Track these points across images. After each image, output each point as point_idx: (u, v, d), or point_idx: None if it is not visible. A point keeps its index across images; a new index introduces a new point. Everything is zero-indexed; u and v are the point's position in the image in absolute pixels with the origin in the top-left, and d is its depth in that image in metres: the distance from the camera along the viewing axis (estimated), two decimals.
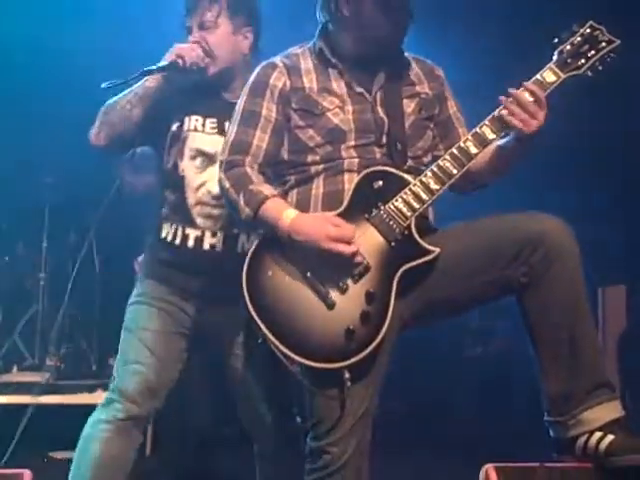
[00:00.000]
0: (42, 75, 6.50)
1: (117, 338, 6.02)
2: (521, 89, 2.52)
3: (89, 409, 5.54)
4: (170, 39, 3.20)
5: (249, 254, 2.52)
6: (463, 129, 2.80)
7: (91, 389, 5.67)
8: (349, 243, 2.43)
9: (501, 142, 2.63)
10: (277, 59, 2.75)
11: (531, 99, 2.49)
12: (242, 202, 2.55)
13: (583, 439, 2.37)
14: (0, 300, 6.30)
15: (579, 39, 2.59)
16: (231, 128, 2.72)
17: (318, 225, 2.46)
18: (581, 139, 6.11)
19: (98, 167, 5.20)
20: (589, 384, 2.38)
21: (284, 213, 2.50)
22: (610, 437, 2.32)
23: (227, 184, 2.61)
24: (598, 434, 2.34)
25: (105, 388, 5.63)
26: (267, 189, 2.58)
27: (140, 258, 4.97)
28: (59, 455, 5.42)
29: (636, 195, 5.93)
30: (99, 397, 5.60)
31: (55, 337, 6.38)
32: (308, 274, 2.46)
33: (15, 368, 6.05)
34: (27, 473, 2.25)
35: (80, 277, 6.63)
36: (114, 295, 5.96)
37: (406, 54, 2.81)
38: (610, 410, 2.38)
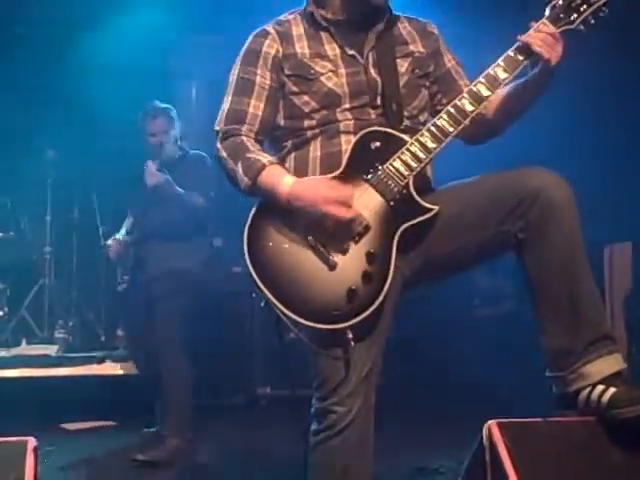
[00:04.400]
0: (44, 49, 6.49)
1: (124, 309, 6.08)
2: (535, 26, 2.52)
3: (99, 380, 5.65)
4: None
5: (248, 219, 2.51)
6: (465, 81, 2.77)
7: (100, 360, 5.72)
8: (348, 206, 2.43)
9: (518, 83, 2.61)
10: (269, 26, 2.73)
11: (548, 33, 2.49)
12: (241, 171, 2.55)
13: (585, 393, 2.37)
14: (7, 275, 6.33)
15: None
16: (225, 98, 2.70)
17: (316, 189, 2.46)
18: (586, 95, 6.07)
19: (100, 140, 5.23)
20: (589, 338, 2.38)
21: (282, 180, 2.50)
22: (612, 390, 2.32)
23: (224, 154, 2.61)
24: (600, 387, 2.34)
25: (113, 359, 5.73)
26: (265, 157, 2.57)
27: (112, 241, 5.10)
28: (70, 426, 5.47)
29: None
30: (108, 368, 5.69)
31: (63, 310, 6.44)
32: (308, 237, 2.46)
33: (24, 341, 6.10)
34: (31, 440, 2.25)
35: (85, 249, 6.73)
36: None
37: (398, 14, 2.79)
38: (611, 363, 2.37)
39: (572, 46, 2.53)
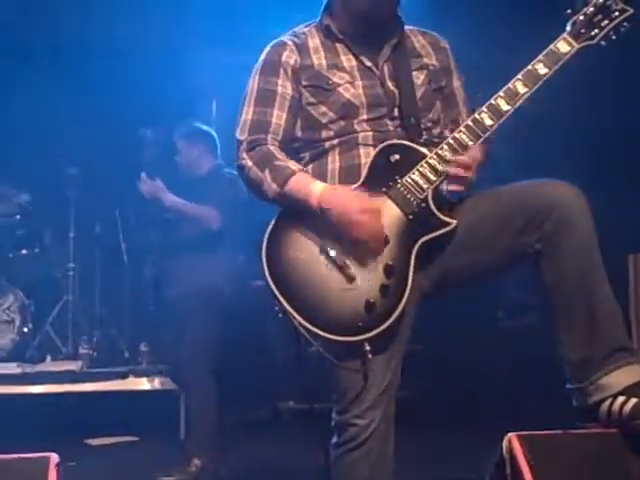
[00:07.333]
0: (66, 67, 6.54)
1: (147, 325, 6.12)
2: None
3: (122, 395, 5.67)
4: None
5: (268, 230, 2.53)
6: (463, 108, 2.81)
7: (123, 376, 5.73)
8: (378, 217, 2.45)
9: None
10: (285, 38, 2.75)
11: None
12: (269, 178, 2.56)
13: (606, 404, 2.36)
14: (31, 291, 6.37)
15: (592, 9, 2.56)
16: (246, 108, 2.71)
17: (349, 197, 2.47)
18: (608, 101, 6.05)
19: (121, 156, 5.26)
20: (607, 349, 2.37)
21: (314, 185, 2.52)
22: (634, 400, 2.30)
23: (250, 162, 2.61)
24: (621, 398, 2.33)
25: (137, 374, 5.75)
26: (293, 164, 2.59)
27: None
28: (95, 442, 5.49)
29: None
30: (131, 383, 5.71)
31: (87, 326, 6.47)
32: (327, 248, 2.48)
33: (49, 358, 6.13)
34: (54, 456, 2.26)
35: (108, 265, 6.76)
36: (143, 282, 6.05)
37: (411, 27, 2.82)
38: (630, 374, 2.36)
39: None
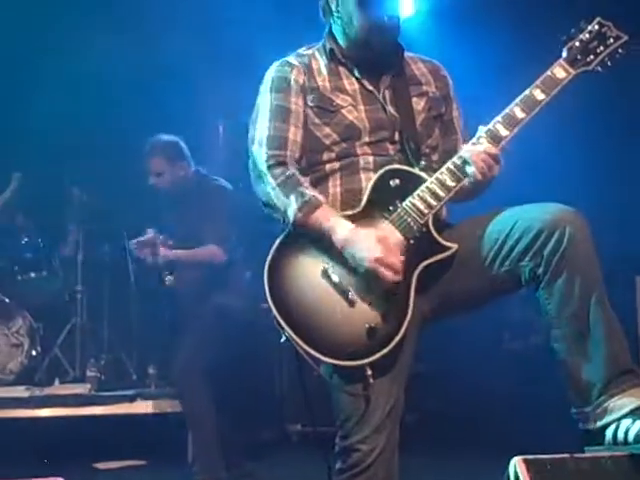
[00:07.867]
0: (72, 89, 6.57)
1: (155, 347, 6.10)
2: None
3: (130, 419, 5.65)
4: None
5: (271, 253, 2.54)
6: (460, 134, 2.83)
7: (132, 399, 5.71)
8: (396, 270, 2.43)
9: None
10: (291, 58, 2.78)
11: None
12: (295, 205, 2.54)
13: (612, 428, 2.34)
14: (40, 314, 6.37)
15: (587, 35, 2.61)
16: (263, 124, 2.70)
17: (371, 245, 2.44)
18: (617, 121, 6.05)
19: (126, 178, 5.27)
20: (612, 373, 2.36)
21: (339, 227, 2.50)
22: (639, 423, 2.29)
23: (273, 183, 2.60)
24: (626, 421, 2.31)
25: (145, 398, 5.73)
26: (318, 194, 2.59)
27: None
28: (102, 465, 5.47)
29: None
30: (139, 407, 5.69)
31: (95, 348, 6.47)
32: (329, 272, 2.48)
33: (57, 381, 6.12)
34: None
35: (116, 288, 6.77)
36: (150, 304, 6.04)
37: (412, 54, 2.85)
38: (636, 397, 2.34)
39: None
